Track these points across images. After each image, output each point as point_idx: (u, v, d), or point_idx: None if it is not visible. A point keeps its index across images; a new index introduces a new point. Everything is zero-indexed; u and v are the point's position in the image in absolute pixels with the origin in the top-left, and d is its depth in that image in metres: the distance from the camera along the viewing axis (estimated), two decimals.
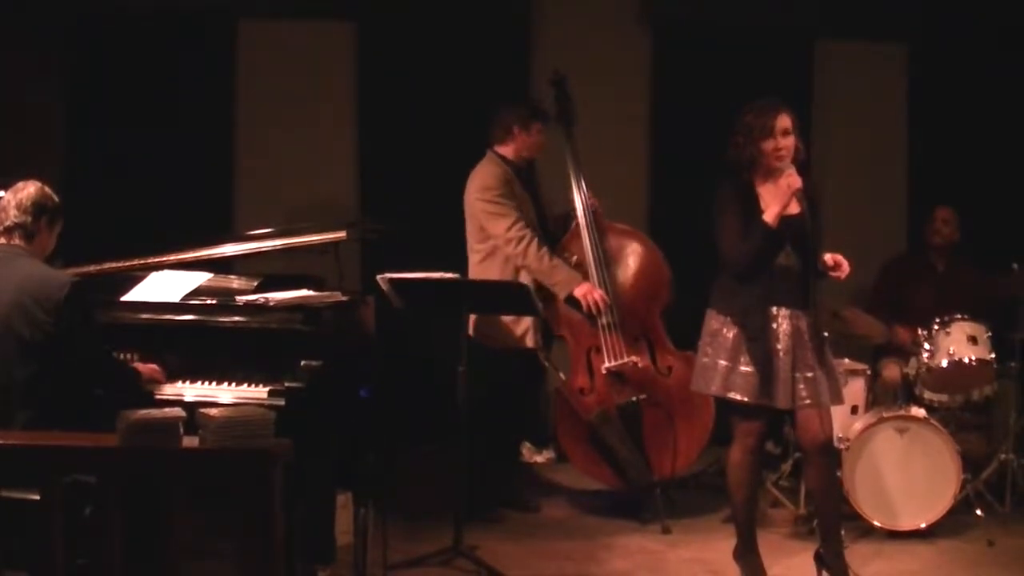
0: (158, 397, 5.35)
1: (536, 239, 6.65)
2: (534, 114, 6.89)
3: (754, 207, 5.46)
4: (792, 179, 5.34)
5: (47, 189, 5.13)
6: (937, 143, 8.41)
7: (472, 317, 6.41)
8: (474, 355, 6.10)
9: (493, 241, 6.70)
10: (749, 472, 5.69)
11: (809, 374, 5.46)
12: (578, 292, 6.66)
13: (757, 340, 5.43)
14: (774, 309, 5.46)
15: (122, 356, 5.54)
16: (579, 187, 6.86)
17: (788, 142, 5.41)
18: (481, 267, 6.74)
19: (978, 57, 8.29)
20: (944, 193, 7.76)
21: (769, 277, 5.45)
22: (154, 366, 5.43)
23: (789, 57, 8.41)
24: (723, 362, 5.48)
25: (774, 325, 5.45)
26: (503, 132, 6.85)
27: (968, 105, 8.32)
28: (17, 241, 5.06)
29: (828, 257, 5.47)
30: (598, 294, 6.66)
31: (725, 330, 5.49)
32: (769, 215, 5.38)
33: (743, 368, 5.45)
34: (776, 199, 5.39)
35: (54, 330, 4.89)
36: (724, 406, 5.87)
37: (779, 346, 5.44)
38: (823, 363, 5.50)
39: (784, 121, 5.41)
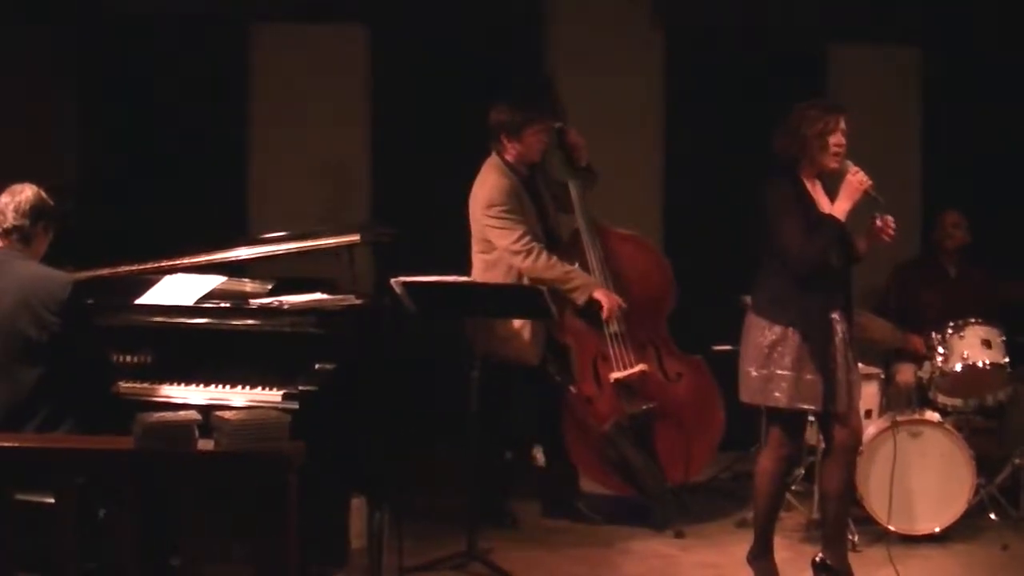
0: (172, 400, 5.36)
1: (544, 250, 6.50)
2: (524, 119, 6.56)
3: (809, 204, 5.47)
4: (861, 176, 5.41)
5: (44, 193, 5.11)
6: (951, 147, 8.39)
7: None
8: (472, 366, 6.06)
9: (498, 253, 6.58)
10: (778, 480, 5.71)
11: (852, 375, 5.54)
12: (599, 294, 6.52)
13: (819, 346, 5.42)
14: (831, 313, 5.48)
15: (135, 359, 5.56)
16: (576, 190, 6.74)
17: (844, 141, 5.48)
18: (484, 275, 6.60)
19: (992, 61, 8.27)
20: (958, 197, 7.75)
21: (826, 280, 5.45)
22: None
23: (802, 61, 8.38)
24: (788, 372, 5.43)
25: (831, 329, 5.47)
26: (496, 142, 6.65)
27: (982, 109, 8.29)
28: (14, 244, 5.05)
29: (878, 221, 5.51)
30: (616, 299, 6.57)
31: (784, 340, 5.43)
32: (839, 210, 5.43)
33: (808, 376, 5.42)
34: (846, 195, 5.43)
35: (60, 330, 4.90)
36: (734, 412, 5.87)
37: (836, 349, 5.47)
38: (856, 363, 5.59)
39: (844, 122, 5.50)
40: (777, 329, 5.45)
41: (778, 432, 5.63)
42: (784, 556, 5.93)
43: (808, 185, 5.53)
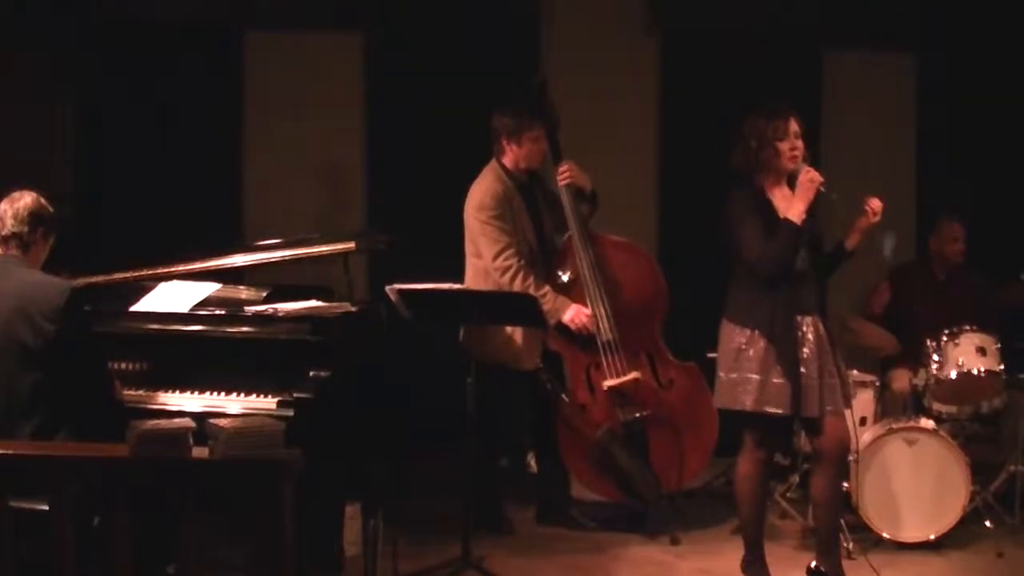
0: (168, 408, 5.36)
1: (522, 270, 6.50)
2: (523, 123, 6.61)
3: (768, 211, 5.48)
4: (813, 174, 5.41)
5: (43, 200, 5.12)
6: (945, 152, 8.40)
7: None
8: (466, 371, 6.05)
9: (484, 261, 6.61)
10: (758, 485, 5.70)
11: (832, 380, 5.51)
12: (566, 318, 6.54)
13: (785, 350, 5.42)
14: (799, 316, 5.47)
15: (131, 366, 5.56)
16: (567, 195, 6.69)
17: (800, 143, 5.50)
18: (476, 280, 6.63)
19: (986, 65, 8.28)
20: (953, 202, 7.75)
21: (790, 284, 5.45)
22: None
23: (797, 66, 8.39)
24: (754, 376, 5.44)
25: (799, 332, 5.46)
26: (496, 145, 6.68)
27: (976, 114, 8.31)
28: (13, 251, 5.05)
29: (871, 201, 5.52)
30: (585, 314, 6.56)
31: (751, 343, 5.46)
32: (794, 212, 5.41)
33: (775, 380, 5.42)
34: (800, 196, 5.43)
35: (57, 337, 4.90)
36: (727, 417, 5.86)
37: (806, 353, 5.46)
38: (839, 368, 5.55)
39: (795, 124, 5.50)
40: (746, 332, 5.48)
41: (752, 437, 5.65)
42: (779, 563, 5.93)
43: (769, 192, 5.55)
